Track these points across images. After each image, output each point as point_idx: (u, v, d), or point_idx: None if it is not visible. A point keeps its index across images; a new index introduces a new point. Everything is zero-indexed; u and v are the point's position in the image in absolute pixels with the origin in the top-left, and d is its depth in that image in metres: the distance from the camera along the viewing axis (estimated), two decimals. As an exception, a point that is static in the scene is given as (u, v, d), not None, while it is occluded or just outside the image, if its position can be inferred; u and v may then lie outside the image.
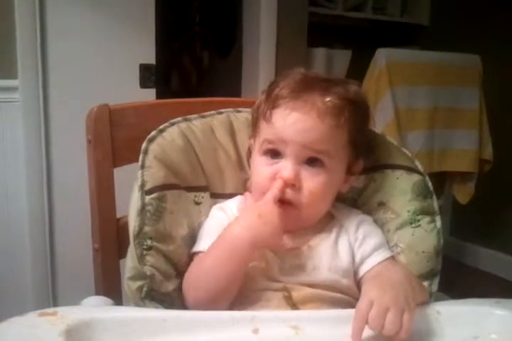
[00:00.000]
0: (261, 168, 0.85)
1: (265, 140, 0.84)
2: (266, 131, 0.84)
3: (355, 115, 0.84)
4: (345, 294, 0.82)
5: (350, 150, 0.85)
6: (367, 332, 0.67)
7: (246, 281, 0.80)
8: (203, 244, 0.84)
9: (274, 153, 0.83)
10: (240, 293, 0.79)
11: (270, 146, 0.83)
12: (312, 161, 0.82)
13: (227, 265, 0.77)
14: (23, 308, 0.69)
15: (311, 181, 0.81)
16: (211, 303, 0.76)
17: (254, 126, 0.90)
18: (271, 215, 0.77)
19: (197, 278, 0.80)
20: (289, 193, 0.80)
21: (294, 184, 0.80)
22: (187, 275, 0.81)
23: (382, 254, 0.85)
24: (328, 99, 0.81)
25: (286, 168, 0.81)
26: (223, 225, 0.81)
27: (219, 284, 0.77)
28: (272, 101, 0.83)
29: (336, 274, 0.82)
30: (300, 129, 0.80)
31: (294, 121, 0.80)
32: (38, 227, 1.86)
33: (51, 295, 1.91)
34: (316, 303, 0.79)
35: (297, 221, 0.83)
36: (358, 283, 0.84)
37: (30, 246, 1.86)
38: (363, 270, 0.84)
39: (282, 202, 0.80)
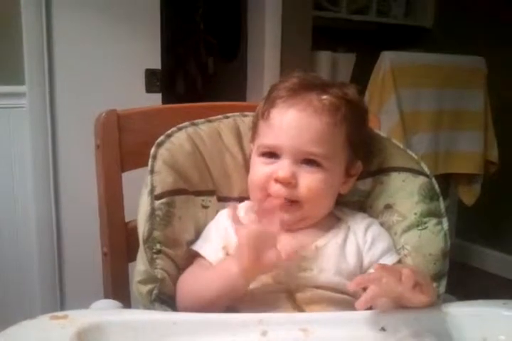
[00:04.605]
0: (258, 167, 0.86)
1: (262, 144, 0.86)
2: (264, 133, 0.86)
3: (351, 115, 0.85)
4: (352, 297, 0.82)
5: (347, 152, 0.86)
6: None
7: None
8: (199, 245, 0.86)
9: (272, 154, 0.84)
10: (244, 294, 0.79)
11: (267, 150, 0.85)
12: (309, 162, 0.83)
13: (215, 294, 0.77)
14: (31, 313, 0.69)
15: (308, 178, 0.82)
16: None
17: (253, 129, 0.91)
18: (240, 250, 0.75)
19: (185, 299, 0.80)
20: (287, 191, 0.82)
21: (290, 182, 0.82)
22: (180, 284, 0.82)
23: (390, 259, 0.85)
24: (324, 97, 0.83)
25: (282, 167, 0.82)
26: (222, 228, 0.84)
27: (205, 304, 0.77)
28: (271, 101, 0.85)
29: (342, 277, 0.82)
30: (296, 127, 0.82)
31: (290, 119, 0.82)
32: (46, 232, 1.87)
33: (59, 299, 1.92)
34: (321, 304, 0.79)
35: (300, 219, 0.83)
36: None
37: (38, 250, 1.87)
38: None
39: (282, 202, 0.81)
